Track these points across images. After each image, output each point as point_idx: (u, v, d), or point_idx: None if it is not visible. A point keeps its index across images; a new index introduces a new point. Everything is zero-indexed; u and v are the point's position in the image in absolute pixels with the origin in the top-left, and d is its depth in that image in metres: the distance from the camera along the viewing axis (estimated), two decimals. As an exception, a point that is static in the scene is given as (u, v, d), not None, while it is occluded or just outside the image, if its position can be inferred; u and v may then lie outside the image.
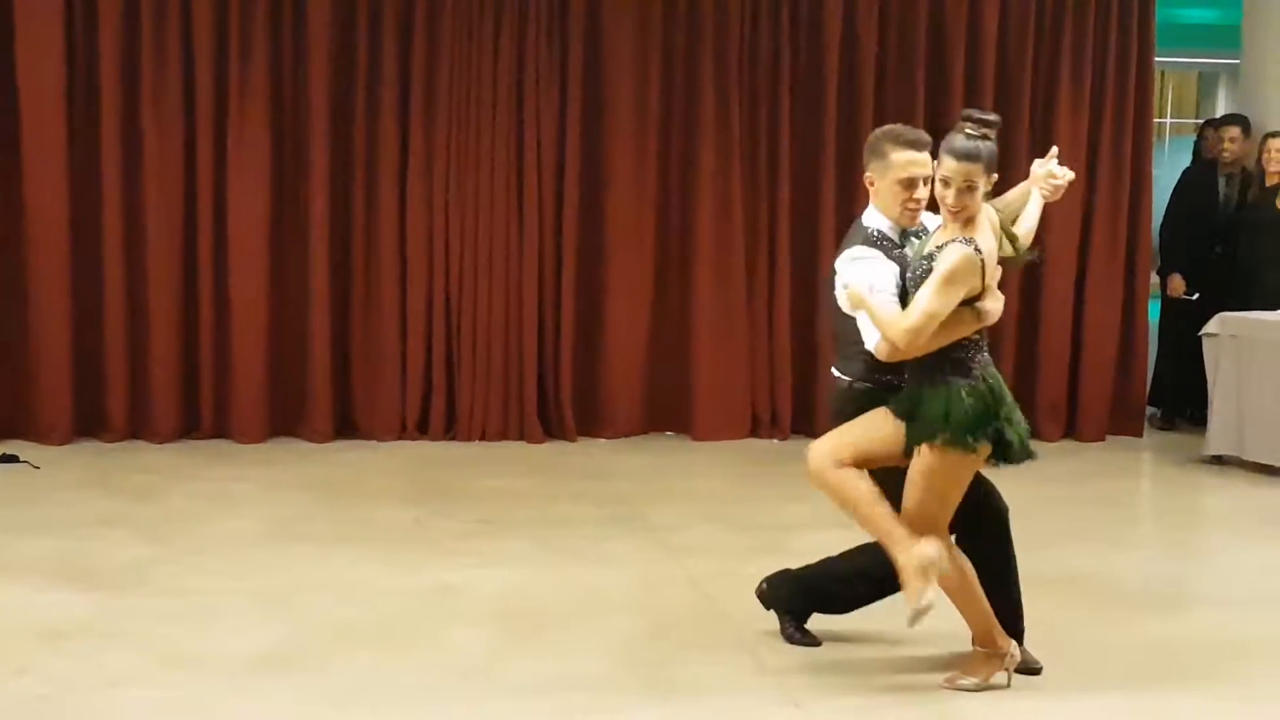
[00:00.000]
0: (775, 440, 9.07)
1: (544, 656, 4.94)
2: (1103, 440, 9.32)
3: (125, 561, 6.01)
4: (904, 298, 4.55)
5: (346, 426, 8.83)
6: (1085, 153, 9.28)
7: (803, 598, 5.07)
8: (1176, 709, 4.63)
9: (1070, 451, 9.07)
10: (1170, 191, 9.89)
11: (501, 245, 8.82)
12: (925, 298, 4.39)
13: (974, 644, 4.72)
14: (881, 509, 4.52)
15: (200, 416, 8.67)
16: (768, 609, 5.09)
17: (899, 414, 4.51)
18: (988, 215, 4.54)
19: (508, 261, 8.83)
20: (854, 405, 4.69)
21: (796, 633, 5.05)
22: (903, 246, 4.72)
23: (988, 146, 4.44)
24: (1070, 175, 4.81)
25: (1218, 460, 8.50)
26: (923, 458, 4.46)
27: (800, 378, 9.11)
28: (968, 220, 4.46)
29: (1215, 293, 9.15)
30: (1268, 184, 9.05)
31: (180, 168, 8.52)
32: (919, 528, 4.49)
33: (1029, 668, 4.84)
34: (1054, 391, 9.36)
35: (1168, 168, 10.74)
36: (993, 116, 4.50)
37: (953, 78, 9.13)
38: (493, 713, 4.48)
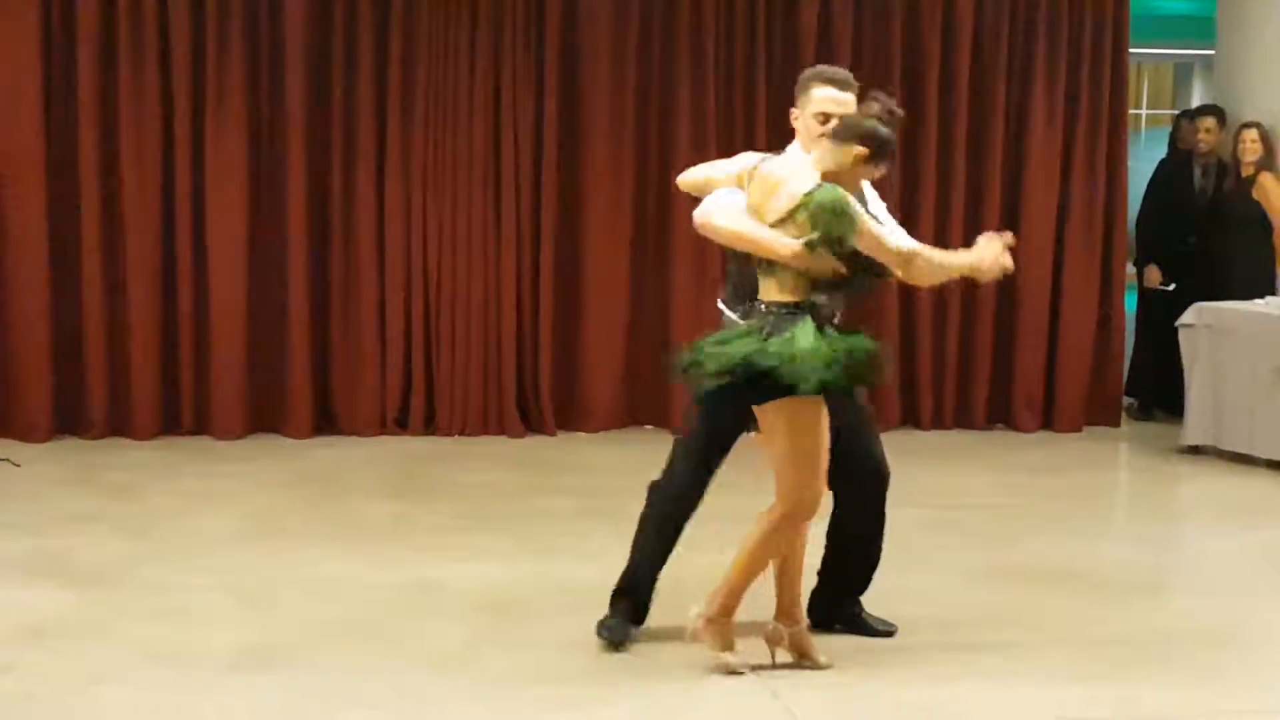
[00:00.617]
0: (753, 433, 9.06)
1: (525, 650, 4.96)
2: (1080, 431, 9.36)
3: (106, 559, 6.01)
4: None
5: (326, 422, 8.82)
6: (1060, 144, 9.31)
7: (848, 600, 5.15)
8: (1155, 698, 4.67)
9: (1047, 442, 9.11)
10: (1146, 183, 9.91)
11: (479, 240, 8.82)
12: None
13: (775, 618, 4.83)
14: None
15: (180, 413, 8.65)
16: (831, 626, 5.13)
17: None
18: (813, 198, 4.54)
19: (485, 256, 8.83)
20: None
21: (872, 624, 5.13)
22: None
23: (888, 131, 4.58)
24: (1004, 268, 4.69)
25: (1195, 450, 8.55)
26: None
27: (779, 371, 9.11)
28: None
29: (1192, 283, 9.18)
30: (1243, 175, 9.08)
31: (158, 166, 8.49)
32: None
33: (885, 629, 5.08)
34: (1031, 382, 9.39)
35: (1143, 159, 10.78)
36: (899, 111, 4.63)
37: (928, 68, 9.14)
38: (474, 707, 4.50)
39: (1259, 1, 9.50)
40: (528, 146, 8.85)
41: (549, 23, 8.81)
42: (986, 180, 9.24)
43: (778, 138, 8.95)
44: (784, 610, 4.83)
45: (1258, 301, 8.51)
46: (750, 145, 8.97)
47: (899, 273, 4.62)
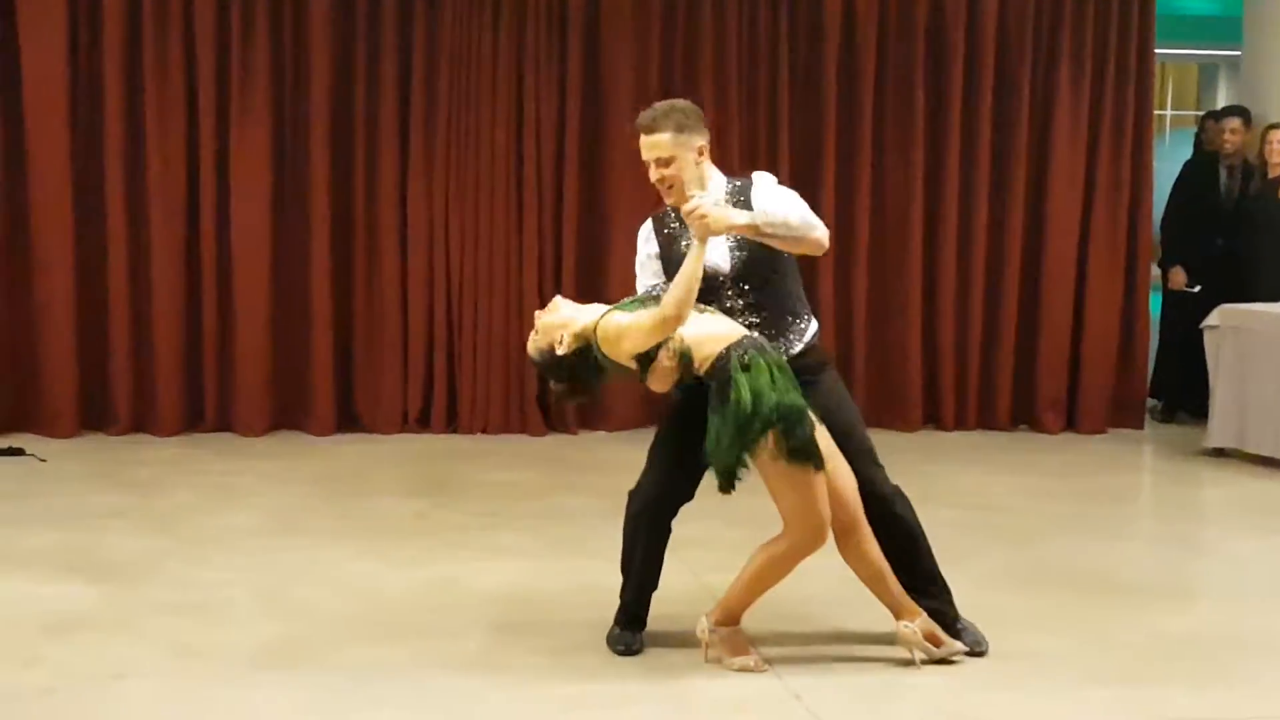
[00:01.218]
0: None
1: (546, 649, 4.96)
2: (1103, 433, 9.33)
3: (130, 554, 6.04)
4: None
5: (348, 420, 8.85)
6: (1085, 145, 9.29)
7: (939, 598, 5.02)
8: (1179, 702, 4.64)
9: (1070, 444, 9.08)
10: (1171, 184, 9.88)
11: (502, 237, 8.83)
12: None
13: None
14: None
15: (204, 410, 8.70)
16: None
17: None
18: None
19: (508, 254, 8.84)
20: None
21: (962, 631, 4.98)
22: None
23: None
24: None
25: (1219, 453, 8.51)
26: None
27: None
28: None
29: (1216, 285, 9.14)
30: (1269, 176, 9.05)
31: (183, 163, 8.54)
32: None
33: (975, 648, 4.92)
34: (1055, 384, 9.37)
35: (1168, 160, 10.74)
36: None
37: (952, 69, 9.13)
38: (494, 704, 4.49)
39: (1286, 2, 9.48)
40: (550, 146, 8.85)
41: (571, 25, 8.82)
42: (1011, 182, 9.21)
43: (800, 133, 9.06)
44: (899, 611, 4.77)
45: (1283, 303, 8.48)
46: (773, 144, 9.02)
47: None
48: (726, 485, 4.52)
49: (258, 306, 8.63)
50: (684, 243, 4.63)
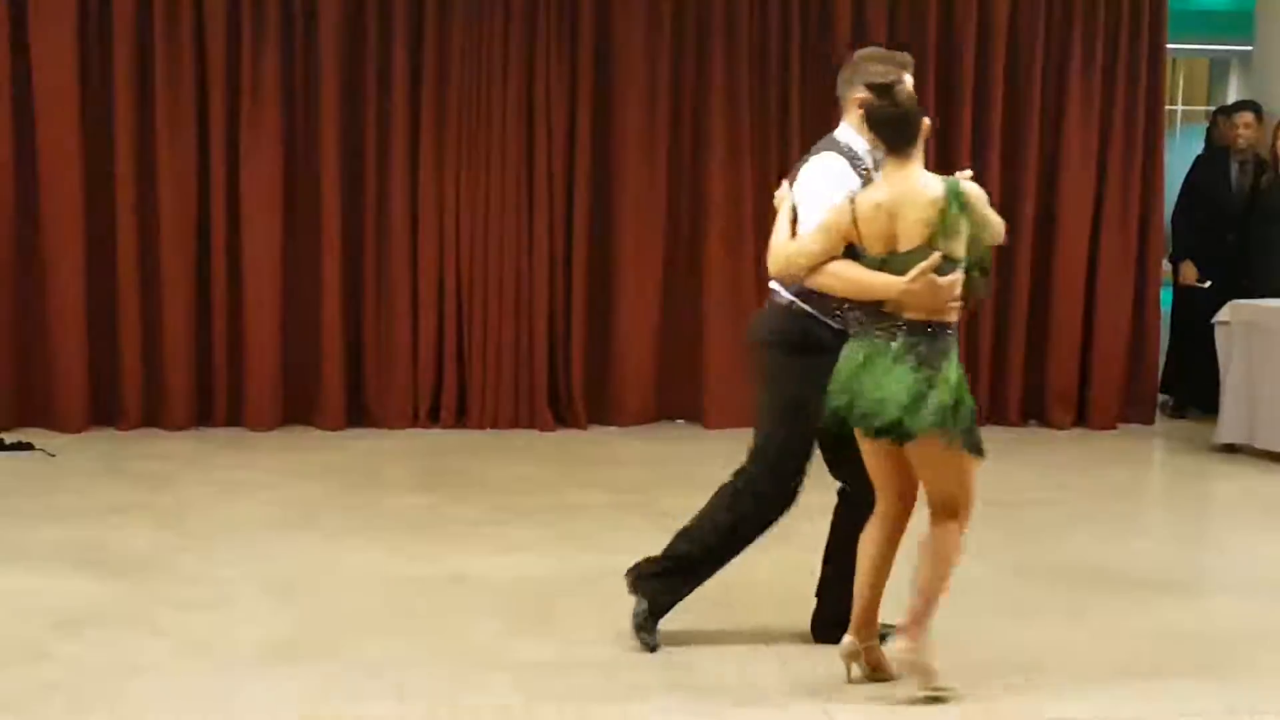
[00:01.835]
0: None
1: (556, 643, 4.96)
2: (1114, 428, 9.32)
3: (140, 549, 6.04)
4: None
5: (358, 415, 8.85)
6: (1097, 140, 9.27)
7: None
8: (1190, 696, 4.63)
9: (1081, 439, 9.07)
10: (1182, 179, 9.86)
11: (512, 234, 8.83)
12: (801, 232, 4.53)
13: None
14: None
15: (214, 405, 8.70)
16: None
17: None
18: (958, 189, 4.40)
19: (518, 250, 8.84)
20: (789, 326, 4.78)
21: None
22: (873, 169, 4.65)
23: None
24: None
25: (1229, 448, 8.50)
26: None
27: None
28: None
29: (1227, 280, 9.12)
30: (1280, 171, 9.04)
31: (193, 159, 8.54)
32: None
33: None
34: (1065, 379, 9.36)
35: (1179, 155, 10.72)
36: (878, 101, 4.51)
37: (963, 64, 9.11)
38: (505, 700, 4.49)
39: (1298, -3, 9.46)
40: (561, 139, 8.85)
41: (582, 26, 8.81)
42: (1022, 176, 9.19)
43: (812, 126, 9.02)
44: (863, 624, 4.60)
45: (1294, 298, 8.47)
46: (784, 145, 8.99)
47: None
48: (896, 436, 4.37)
49: (268, 301, 8.63)
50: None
